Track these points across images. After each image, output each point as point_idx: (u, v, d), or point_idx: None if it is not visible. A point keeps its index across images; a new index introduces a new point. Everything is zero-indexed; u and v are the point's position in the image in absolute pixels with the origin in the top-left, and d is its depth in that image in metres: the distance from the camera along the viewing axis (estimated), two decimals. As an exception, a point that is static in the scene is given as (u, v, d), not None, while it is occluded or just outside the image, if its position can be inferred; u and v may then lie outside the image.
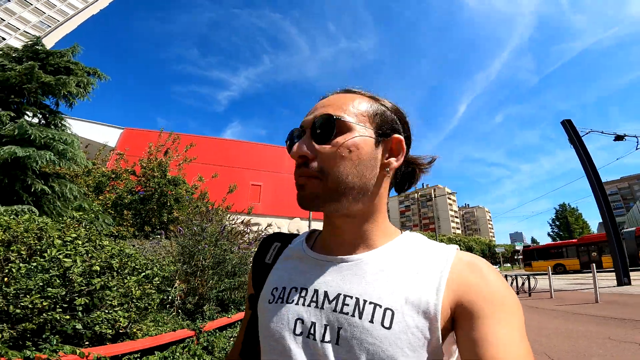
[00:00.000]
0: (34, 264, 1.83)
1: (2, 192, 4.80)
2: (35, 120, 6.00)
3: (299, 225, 20.77)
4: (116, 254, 2.29)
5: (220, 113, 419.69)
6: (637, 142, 15.23)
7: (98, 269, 2.01)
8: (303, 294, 0.53)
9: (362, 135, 0.53)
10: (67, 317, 1.84)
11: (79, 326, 1.87)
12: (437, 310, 0.45)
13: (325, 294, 0.51)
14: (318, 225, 0.71)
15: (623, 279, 11.19)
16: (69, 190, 5.83)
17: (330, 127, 0.52)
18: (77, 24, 53.23)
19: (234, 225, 5.60)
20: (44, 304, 1.70)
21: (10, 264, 1.80)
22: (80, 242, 2.07)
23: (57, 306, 1.79)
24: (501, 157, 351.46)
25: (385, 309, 0.46)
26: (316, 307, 0.50)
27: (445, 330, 0.46)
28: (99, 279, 1.99)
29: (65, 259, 1.88)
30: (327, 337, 0.47)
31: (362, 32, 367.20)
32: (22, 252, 1.89)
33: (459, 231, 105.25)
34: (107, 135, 19.84)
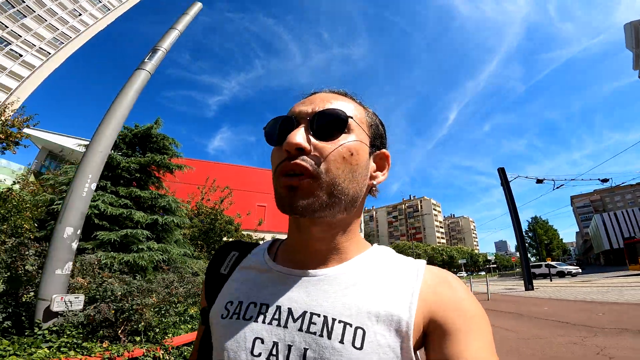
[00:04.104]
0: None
1: (157, 239, 9.14)
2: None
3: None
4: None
5: (210, 118, 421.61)
6: (554, 184, 20.40)
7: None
8: (263, 310, 0.48)
9: (361, 141, 0.51)
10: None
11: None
12: (409, 328, 0.43)
13: (290, 311, 0.47)
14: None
15: (528, 286, 15.94)
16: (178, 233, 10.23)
17: (336, 123, 0.49)
18: (86, 39, 57.13)
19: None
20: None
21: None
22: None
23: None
24: (489, 166, 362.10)
25: (356, 328, 0.43)
26: (278, 325, 0.46)
27: (416, 347, 0.45)
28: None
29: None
30: None
31: (355, 40, 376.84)
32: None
33: (443, 241, 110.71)
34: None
